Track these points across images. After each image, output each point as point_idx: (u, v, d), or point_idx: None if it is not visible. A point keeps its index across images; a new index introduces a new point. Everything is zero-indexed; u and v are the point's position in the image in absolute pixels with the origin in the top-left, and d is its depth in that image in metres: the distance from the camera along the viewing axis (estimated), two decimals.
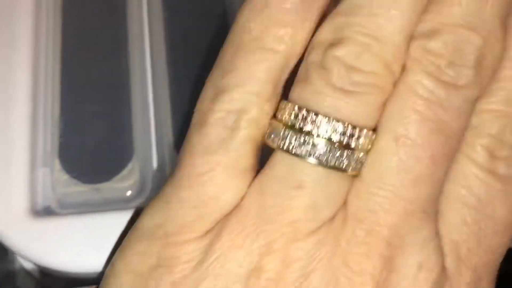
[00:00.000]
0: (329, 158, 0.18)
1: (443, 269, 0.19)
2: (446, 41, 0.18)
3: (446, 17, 0.18)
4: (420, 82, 0.18)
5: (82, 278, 0.23)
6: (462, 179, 0.19)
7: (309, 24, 0.19)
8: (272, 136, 0.19)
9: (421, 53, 0.18)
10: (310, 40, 0.19)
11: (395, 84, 0.19)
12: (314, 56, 0.19)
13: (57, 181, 0.24)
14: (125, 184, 0.24)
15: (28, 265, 0.25)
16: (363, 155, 0.19)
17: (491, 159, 0.19)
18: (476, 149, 0.19)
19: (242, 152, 0.19)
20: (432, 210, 0.19)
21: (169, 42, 0.26)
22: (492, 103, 0.19)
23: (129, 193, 0.24)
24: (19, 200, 0.23)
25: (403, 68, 0.19)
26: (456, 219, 0.19)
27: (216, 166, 0.19)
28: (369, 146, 0.19)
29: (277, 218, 0.18)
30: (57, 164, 0.24)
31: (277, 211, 0.18)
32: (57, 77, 0.26)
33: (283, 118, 0.19)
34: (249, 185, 0.19)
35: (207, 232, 0.19)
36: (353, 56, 0.18)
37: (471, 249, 0.19)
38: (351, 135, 0.18)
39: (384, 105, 0.19)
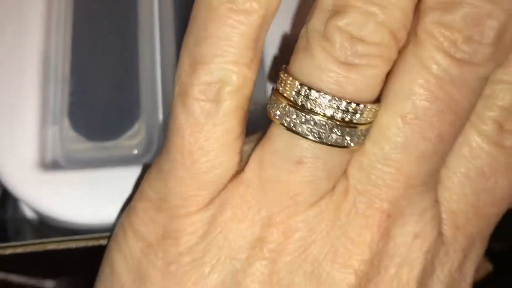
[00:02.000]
0: (331, 135, 0.18)
1: (439, 235, 0.19)
2: (465, 15, 0.17)
3: None
4: (433, 58, 0.17)
5: (80, 230, 0.24)
6: (466, 150, 0.19)
7: None
8: (273, 110, 0.18)
9: (436, 27, 0.17)
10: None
11: (398, 52, 0.18)
12: (315, 24, 0.18)
13: (65, 138, 0.25)
14: (131, 142, 0.25)
15: (29, 214, 0.26)
16: (366, 128, 0.18)
17: (499, 132, 0.19)
18: (485, 121, 0.19)
19: (229, 123, 0.18)
20: (433, 181, 0.19)
21: (178, 3, 0.27)
22: (507, 74, 0.19)
23: (135, 151, 0.25)
24: (30, 154, 0.24)
25: (411, 36, 0.18)
26: (456, 190, 0.20)
27: (205, 142, 0.18)
28: (372, 119, 0.18)
29: (278, 192, 0.18)
30: (66, 122, 0.25)
31: (277, 185, 0.18)
32: (68, 38, 0.26)
33: (285, 93, 0.18)
34: (239, 152, 0.19)
35: (209, 203, 0.19)
36: (358, 26, 0.17)
37: (469, 219, 0.20)
38: (354, 112, 0.17)
39: (386, 74, 0.18)
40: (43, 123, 0.25)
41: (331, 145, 0.18)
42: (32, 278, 0.26)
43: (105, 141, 0.25)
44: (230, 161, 0.19)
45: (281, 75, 0.18)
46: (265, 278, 0.18)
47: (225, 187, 0.19)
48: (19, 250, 0.21)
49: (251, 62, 0.18)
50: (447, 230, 0.20)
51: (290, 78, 0.18)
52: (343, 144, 0.18)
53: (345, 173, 0.19)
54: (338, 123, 0.18)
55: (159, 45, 0.26)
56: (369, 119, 0.18)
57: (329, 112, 0.17)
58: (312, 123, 0.18)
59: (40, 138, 0.24)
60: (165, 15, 0.27)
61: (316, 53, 0.17)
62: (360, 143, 0.18)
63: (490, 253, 0.23)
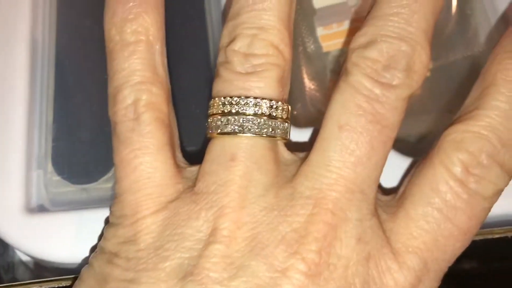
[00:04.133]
0: (248, 128, 0.21)
1: (384, 247, 0.21)
2: (381, 49, 0.21)
3: (381, 30, 0.21)
4: (361, 82, 0.21)
5: (72, 268, 0.25)
6: (433, 182, 0.21)
7: (152, 9, 0.22)
8: (209, 129, 0.22)
9: (361, 59, 0.21)
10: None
11: (287, 61, 0.22)
12: (219, 58, 0.22)
13: (49, 182, 0.26)
14: (109, 185, 0.26)
15: (24, 257, 0.27)
16: (282, 122, 0.22)
17: (465, 173, 0.21)
18: (453, 161, 0.21)
19: (152, 132, 0.22)
20: (370, 192, 0.21)
21: None
22: (477, 126, 0.21)
23: (113, 192, 0.25)
24: (16, 198, 0.25)
25: (342, 72, 0.22)
26: (418, 216, 0.21)
27: (138, 152, 0.22)
28: (285, 114, 0.22)
29: (222, 189, 0.21)
30: (49, 166, 0.26)
31: (220, 183, 0.21)
32: (51, 88, 0.28)
33: (212, 111, 0.22)
34: (172, 157, 0.22)
35: (163, 208, 0.21)
36: (247, 45, 0.22)
37: (425, 243, 0.21)
38: (262, 105, 0.21)
39: (283, 78, 0.22)
40: (28, 168, 0.26)
41: (255, 135, 0.21)
42: None
43: (85, 183, 0.26)
44: (165, 164, 0.22)
45: (209, 103, 0.22)
46: (219, 259, 0.20)
47: (178, 197, 0.22)
48: None
49: (155, 80, 0.22)
50: (400, 247, 0.21)
51: (212, 100, 0.22)
52: (260, 134, 0.21)
53: (292, 181, 0.21)
54: (253, 117, 0.21)
55: None
56: (282, 114, 0.22)
57: (243, 110, 0.21)
58: (233, 121, 0.21)
59: (25, 183, 0.26)
60: None
61: (223, 73, 0.22)
62: (280, 135, 0.22)
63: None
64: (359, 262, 0.21)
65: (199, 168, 0.22)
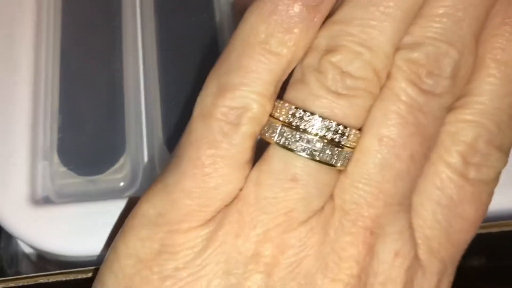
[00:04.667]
0: (321, 154, 0.20)
1: (416, 257, 0.21)
2: (427, 53, 0.20)
3: (428, 31, 0.20)
4: (404, 89, 0.20)
5: (76, 262, 0.25)
6: (437, 180, 0.21)
7: (312, 32, 0.20)
8: (270, 132, 0.20)
9: (405, 63, 0.20)
10: None
11: (381, 88, 0.20)
12: (311, 60, 0.20)
13: (55, 173, 0.26)
14: (117, 176, 0.26)
15: (27, 250, 0.27)
16: (350, 152, 0.20)
17: (464, 164, 0.21)
18: (452, 155, 0.21)
19: (243, 146, 0.20)
20: (407, 203, 0.21)
21: (160, 44, 0.28)
22: (469, 114, 0.21)
23: (121, 184, 0.26)
24: (21, 190, 0.25)
25: (388, 74, 0.20)
26: (429, 216, 0.21)
27: (220, 159, 0.20)
28: (356, 144, 0.20)
29: (273, 209, 0.20)
30: (55, 157, 0.26)
31: (272, 202, 0.20)
32: (56, 77, 0.27)
33: (281, 117, 0.20)
34: (247, 177, 0.20)
35: (209, 220, 0.20)
36: (347, 62, 0.19)
37: (441, 244, 0.21)
38: (342, 134, 0.20)
39: (371, 106, 0.20)
40: (34, 159, 0.26)
41: (322, 162, 0.20)
42: None
43: (92, 175, 0.26)
44: (237, 182, 0.20)
45: (276, 103, 0.20)
46: None
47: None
48: (11, 285, 0.22)
49: (271, 97, 0.20)
50: (422, 254, 0.21)
51: (286, 104, 0.20)
52: (331, 163, 0.20)
53: (332, 195, 0.20)
54: (328, 142, 0.19)
55: (143, 82, 0.28)
56: (353, 143, 0.20)
57: (320, 132, 0.19)
58: (306, 141, 0.19)
59: (31, 174, 0.25)
60: (150, 57, 0.28)
61: (311, 83, 0.20)
62: (345, 165, 0.20)
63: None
64: (396, 278, 0.20)
65: (251, 170, 0.20)
